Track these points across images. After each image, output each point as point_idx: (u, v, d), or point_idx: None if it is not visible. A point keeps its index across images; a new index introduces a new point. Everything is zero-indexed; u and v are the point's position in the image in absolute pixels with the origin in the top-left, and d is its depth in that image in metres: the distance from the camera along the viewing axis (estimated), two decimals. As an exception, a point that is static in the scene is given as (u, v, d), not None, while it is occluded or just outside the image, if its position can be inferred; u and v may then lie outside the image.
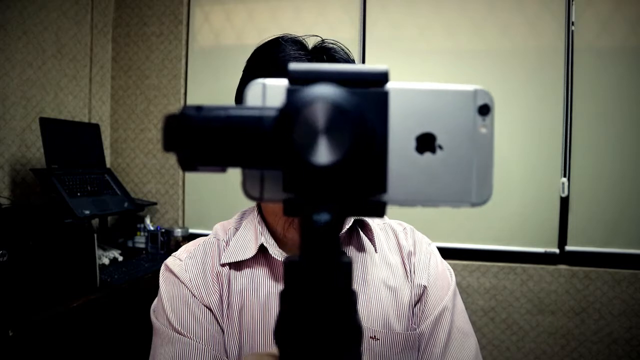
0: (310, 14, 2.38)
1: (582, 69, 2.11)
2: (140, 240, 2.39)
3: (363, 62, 2.26)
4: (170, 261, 0.72)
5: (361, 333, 0.25)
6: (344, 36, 2.31)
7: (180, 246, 0.77)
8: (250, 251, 0.68)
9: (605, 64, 2.09)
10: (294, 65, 0.26)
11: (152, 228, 2.37)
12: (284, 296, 0.25)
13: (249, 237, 0.70)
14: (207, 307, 0.66)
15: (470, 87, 0.27)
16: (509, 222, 2.17)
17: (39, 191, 2.04)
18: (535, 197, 2.15)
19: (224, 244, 0.72)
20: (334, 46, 0.66)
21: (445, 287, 0.71)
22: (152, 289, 0.74)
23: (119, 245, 2.34)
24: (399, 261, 0.72)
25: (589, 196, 2.10)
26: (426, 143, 0.27)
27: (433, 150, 0.27)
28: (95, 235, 1.77)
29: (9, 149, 2.03)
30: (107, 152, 2.53)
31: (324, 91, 0.24)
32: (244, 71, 0.67)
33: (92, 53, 2.48)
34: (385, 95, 0.26)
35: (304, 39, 0.66)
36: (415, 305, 0.69)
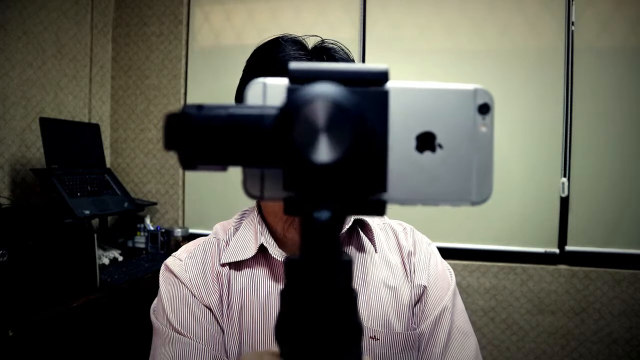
0: (310, 14, 2.38)
1: (582, 69, 2.11)
2: (140, 240, 2.39)
3: (363, 62, 2.26)
4: (170, 261, 0.72)
5: (361, 332, 0.25)
6: (344, 36, 2.31)
7: (180, 246, 0.77)
8: (250, 251, 0.68)
9: (605, 64, 2.09)
10: (294, 65, 0.26)
11: (152, 228, 2.37)
12: (284, 295, 0.25)
13: (249, 237, 0.70)
14: (207, 307, 0.66)
15: (470, 86, 0.27)
16: (509, 222, 2.17)
17: (39, 191, 2.04)
18: (535, 197, 2.15)
19: (224, 244, 0.72)
20: (334, 46, 0.66)
21: (445, 287, 0.71)
22: (152, 289, 0.74)
23: (119, 245, 2.34)
24: (399, 261, 0.72)
25: (589, 196, 2.10)
26: (426, 142, 0.27)
27: (433, 149, 0.27)
28: (95, 235, 1.77)
29: (9, 149, 2.03)
30: (107, 152, 2.53)
31: (325, 89, 0.24)
32: (243, 71, 0.67)
33: (92, 53, 2.48)
34: (385, 95, 0.26)
35: (303, 39, 0.66)
36: (415, 305, 0.69)
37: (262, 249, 0.67)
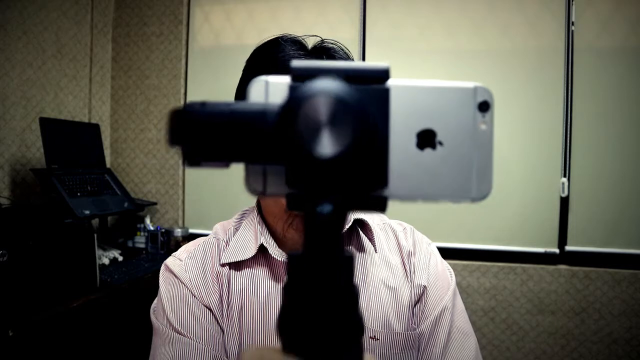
0: (310, 14, 2.38)
1: (582, 69, 2.11)
2: (140, 240, 2.39)
3: (363, 61, 2.26)
4: (170, 261, 0.72)
5: (362, 326, 0.25)
6: (344, 36, 2.31)
7: (180, 246, 0.77)
8: (250, 251, 0.68)
9: (605, 64, 2.09)
10: (296, 62, 0.26)
11: (152, 228, 2.37)
12: (287, 289, 0.25)
13: (249, 237, 0.70)
14: (207, 307, 0.66)
15: (470, 84, 0.28)
16: (509, 222, 2.17)
17: (39, 191, 2.04)
18: (535, 197, 2.15)
19: (224, 244, 0.72)
20: (334, 46, 0.66)
21: (445, 287, 0.71)
22: (152, 289, 0.74)
23: (119, 245, 2.34)
24: (399, 261, 0.72)
25: (589, 196, 2.10)
26: (427, 139, 0.27)
27: (433, 146, 0.27)
28: (95, 235, 1.77)
29: (9, 149, 2.03)
30: (107, 152, 2.53)
31: (326, 85, 0.24)
32: (243, 71, 0.67)
33: (92, 53, 2.48)
34: (386, 92, 0.26)
35: (303, 39, 0.66)
36: (415, 305, 0.69)
37: (262, 249, 0.67)
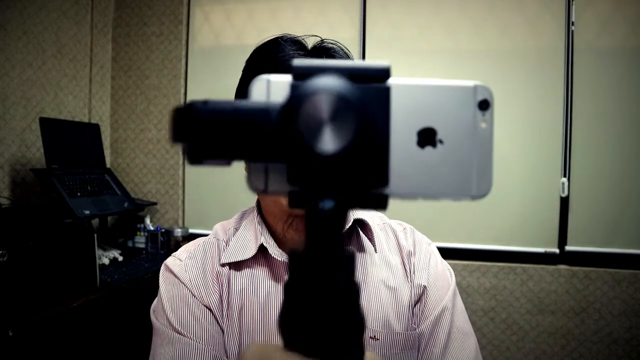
0: (310, 14, 2.38)
1: (582, 69, 2.11)
2: (140, 240, 2.39)
3: (363, 62, 2.26)
4: (170, 261, 0.72)
5: (363, 324, 0.26)
6: (344, 36, 2.31)
7: (180, 246, 0.77)
8: (250, 251, 0.68)
9: (605, 64, 2.09)
10: (297, 61, 0.26)
11: (152, 228, 2.37)
12: (288, 286, 0.26)
13: (249, 237, 0.70)
14: (207, 307, 0.66)
15: (470, 83, 0.28)
16: (509, 222, 2.17)
17: (39, 191, 2.04)
18: (535, 197, 2.15)
19: (224, 244, 0.72)
20: (334, 46, 0.66)
21: (445, 287, 0.71)
22: (152, 289, 0.74)
23: (119, 245, 2.34)
24: (399, 261, 0.72)
25: (589, 196, 2.10)
26: (427, 137, 0.27)
27: (434, 145, 0.27)
28: (95, 235, 1.77)
29: (9, 149, 2.03)
30: (107, 152, 2.53)
31: (328, 82, 0.25)
32: (243, 71, 0.67)
33: (92, 53, 2.48)
34: (387, 91, 0.27)
35: (303, 39, 0.66)
36: (415, 305, 0.69)
37: (262, 249, 0.67)
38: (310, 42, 0.66)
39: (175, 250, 0.76)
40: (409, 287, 0.69)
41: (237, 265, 0.69)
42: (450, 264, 0.76)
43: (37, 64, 2.16)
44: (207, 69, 2.50)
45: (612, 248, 2.09)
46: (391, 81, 0.27)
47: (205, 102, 0.26)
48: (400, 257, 0.72)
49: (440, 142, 0.27)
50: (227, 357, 0.65)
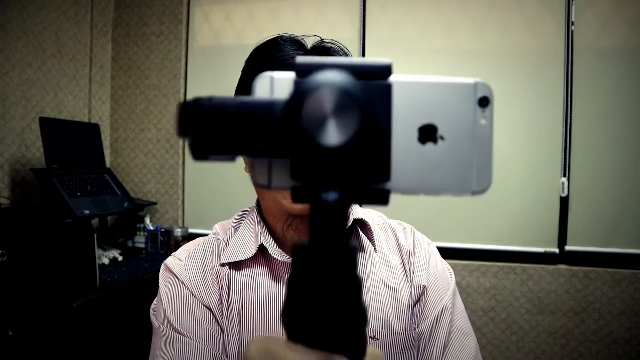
0: (310, 14, 2.38)
1: (582, 69, 2.11)
2: (140, 240, 2.39)
3: (363, 62, 2.26)
4: (170, 261, 0.72)
5: (366, 316, 0.26)
6: (344, 36, 2.31)
7: (180, 246, 0.77)
8: (250, 251, 0.68)
9: (605, 64, 2.09)
10: (300, 59, 0.27)
11: (152, 228, 2.37)
12: (292, 279, 0.26)
13: (249, 237, 0.70)
14: (207, 307, 0.66)
15: (470, 80, 0.28)
16: (509, 222, 2.17)
17: (39, 191, 2.04)
18: (535, 197, 2.15)
19: (224, 244, 0.72)
20: (334, 46, 0.66)
21: (445, 287, 0.71)
22: (152, 289, 0.74)
23: (119, 245, 2.34)
24: (399, 261, 0.72)
25: (589, 196, 2.10)
26: (428, 134, 0.28)
27: (435, 141, 0.28)
28: (95, 235, 1.77)
29: (9, 149, 2.03)
30: (107, 152, 2.53)
31: (332, 77, 0.25)
32: (243, 71, 0.67)
33: (92, 53, 2.48)
34: (389, 88, 0.27)
35: (303, 39, 0.66)
36: (415, 305, 0.69)
37: (262, 249, 0.67)
38: (310, 42, 0.66)
39: (175, 250, 0.76)
40: (409, 287, 0.69)
41: (237, 265, 0.69)
42: (450, 264, 0.76)
43: (37, 64, 2.16)
44: (207, 69, 2.50)
45: (612, 248, 2.09)
46: (393, 78, 0.27)
47: (210, 99, 0.26)
48: (400, 257, 0.72)
49: (441, 138, 0.28)
50: (227, 357, 0.65)
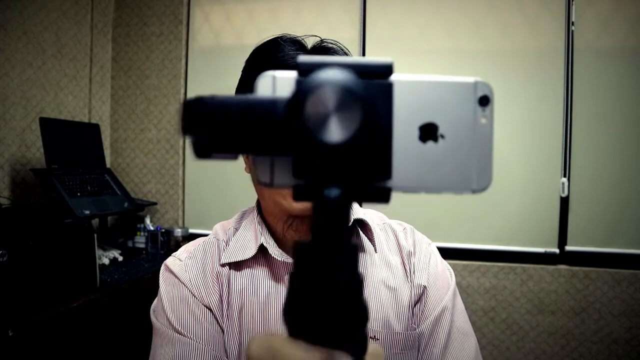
0: (310, 14, 2.38)
1: (582, 69, 2.11)
2: (140, 240, 2.39)
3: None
4: (170, 261, 0.72)
5: (367, 313, 0.26)
6: (344, 36, 2.31)
7: (180, 246, 0.77)
8: (250, 251, 0.68)
9: (605, 64, 2.09)
10: (302, 58, 0.27)
11: (152, 228, 2.37)
12: (293, 276, 0.26)
13: (249, 237, 0.70)
14: (207, 307, 0.66)
15: (470, 79, 0.29)
16: (509, 222, 2.17)
17: (39, 191, 2.04)
18: (535, 197, 2.15)
19: (224, 244, 0.72)
20: (334, 46, 0.66)
21: (445, 287, 0.71)
22: (152, 289, 0.74)
23: (119, 245, 2.34)
24: (399, 261, 0.72)
25: (589, 196, 2.10)
26: (429, 132, 0.28)
27: (435, 139, 0.28)
28: (95, 235, 1.77)
29: (9, 149, 2.03)
30: (107, 152, 2.53)
31: (333, 75, 0.25)
32: (242, 71, 0.67)
33: (92, 53, 2.48)
34: (390, 87, 0.27)
35: (303, 39, 0.66)
36: (415, 305, 0.69)
37: (262, 249, 0.67)
38: (309, 42, 0.66)
39: (175, 250, 0.76)
40: (409, 287, 0.69)
41: (237, 265, 0.69)
42: (450, 264, 0.76)
43: (37, 64, 2.16)
44: (207, 69, 2.50)
45: (612, 248, 2.09)
46: (394, 77, 0.27)
47: (213, 97, 0.26)
48: (400, 257, 0.72)
49: (442, 137, 0.28)
50: (227, 357, 0.65)
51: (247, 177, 0.70)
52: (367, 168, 0.26)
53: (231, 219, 0.76)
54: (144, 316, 0.75)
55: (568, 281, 2.11)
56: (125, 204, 2.19)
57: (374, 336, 0.65)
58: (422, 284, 0.70)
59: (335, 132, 0.24)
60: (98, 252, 1.81)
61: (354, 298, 0.25)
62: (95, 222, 2.29)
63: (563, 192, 2.12)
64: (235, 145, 0.26)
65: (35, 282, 1.58)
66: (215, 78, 2.46)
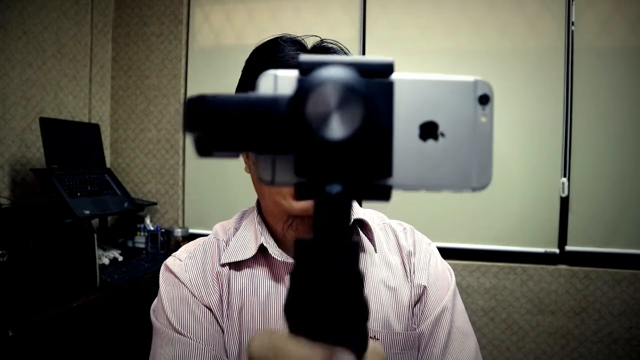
0: (310, 14, 2.38)
1: (582, 69, 2.11)
2: (140, 240, 2.39)
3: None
4: (170, 261, 0.72)
5: (368, 310, 0.26)
6: (344, 36, 2.31)
7: (180, 246, 0.77)
8: (250, 251, 0.68)
9: (605, 64, 2.09)
10: (304, 57, 0.27)
11: (152, 228, 2.37)
12: (294, 273, 0.26)
13: (249, 237, 0.70)
14: (207, 307, 0.66)
15: (470, 78, 0.29)
16: (509, 222, 2.17)
17: (39, 191, 2.04)
18: (535, 197, 2.15)
19: (224, 244, 0.72)
20: (334, 46, 0.66)
21: (445, 287, 0.71)
22: (152, 289, 0.74)
23: (119, 245, 2.34)
24: (399, 261, 0.72)
25: (589, 196, 2.10)
26: (429, 131, 0.28)
27: (436, 138, 0.28)
28: (95, 235, 1.77)
29: (9, 149, 2.03)
30: (107, 152, 2.53)
31: (334, 72, 0.26)
32: (242, 71, 0.68)
33: (92, 53, 2.48)
34: (390, 85, 0.27)
35: (302, 39, 0.66)
36: (415, 305, 0.69)
37: (262, 249, 0.67)
38: (310, 42, 0.66)
39: (175, 250, 0.76)
40: (409, 287, 0.69)
41: (237, 265, 0.69)
42: (450, 264, 0.76)
43: (37, 64, 2.16)
44: (207, 69, 2.50)
45: (612, 248, 2.09)
46: (394, 76, 0.28)
47: (215, 95, 0.26)
48: (400, 257, 0.72)
49: (442, 135, 0.28)
50: (227, 357, 0.65)
51: (247, 177, 0.70)
52: (368, 166, 0.26)
53: (231, 219, 0.76)
54: (144, 316, 0.75)
55: (568, 281, 2.11)
56: (125, 204, 2.19)
57: (374, 336, 0.65)
58: (422, 284, 0.70)
59: (336, 129, 0.25)
60: (98, 252, 1.81)
61: (355, 294, 0.26)
62: (95, 222, 2.29)
63: (563, 192, 2.12)
64: (237, 143, 0.26)
65: (35, 282, 1.58)
66: (215, 78, 2.46)
